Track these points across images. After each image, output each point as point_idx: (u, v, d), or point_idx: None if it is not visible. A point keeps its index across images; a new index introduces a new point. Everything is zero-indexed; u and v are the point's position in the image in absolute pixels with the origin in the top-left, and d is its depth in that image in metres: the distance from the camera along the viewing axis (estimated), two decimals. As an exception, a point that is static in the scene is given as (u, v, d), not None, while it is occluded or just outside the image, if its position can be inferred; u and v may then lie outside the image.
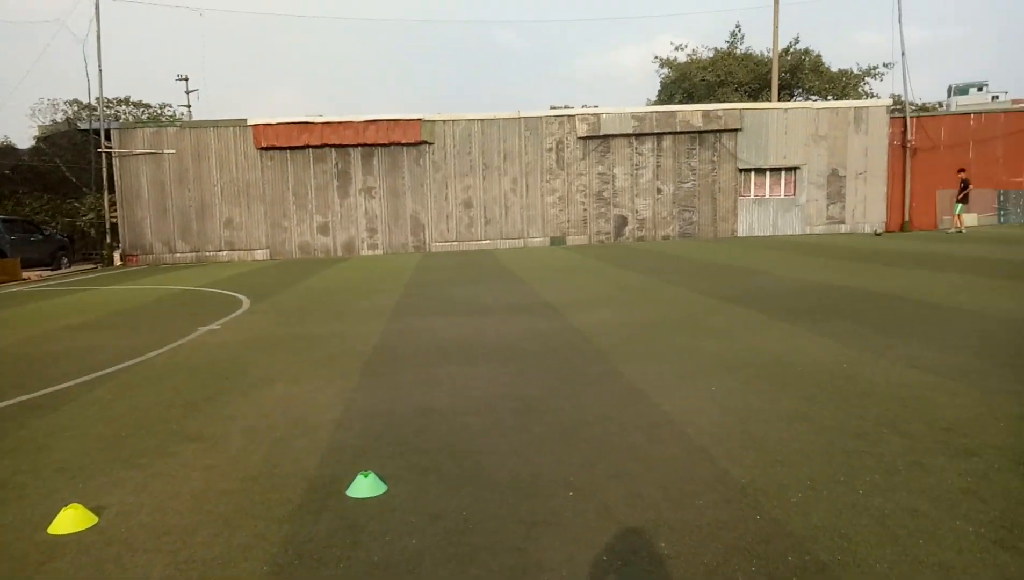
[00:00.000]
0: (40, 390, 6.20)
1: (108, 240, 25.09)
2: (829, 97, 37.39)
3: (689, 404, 4.98)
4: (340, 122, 24.29)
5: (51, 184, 28.02)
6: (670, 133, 25.08)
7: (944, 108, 44.32)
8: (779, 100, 31.67)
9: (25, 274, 19.89)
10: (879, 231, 24.98)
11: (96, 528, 3.37)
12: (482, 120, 25.03)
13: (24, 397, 5.98)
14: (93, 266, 24.39)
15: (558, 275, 14.49)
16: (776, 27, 30.32)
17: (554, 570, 2.81)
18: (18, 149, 29.36)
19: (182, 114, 45.70)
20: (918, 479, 3.51)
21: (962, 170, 24.06)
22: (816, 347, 6.62)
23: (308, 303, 11.74)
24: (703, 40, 59.13)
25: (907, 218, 26.06)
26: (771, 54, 31.59)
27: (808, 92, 39.08)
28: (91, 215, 27.55)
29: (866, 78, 38.28)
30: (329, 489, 3.72)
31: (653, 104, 41.67)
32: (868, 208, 25.70)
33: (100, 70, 24.59)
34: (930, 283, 10.64)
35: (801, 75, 38.50)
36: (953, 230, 23.51)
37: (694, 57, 40.21)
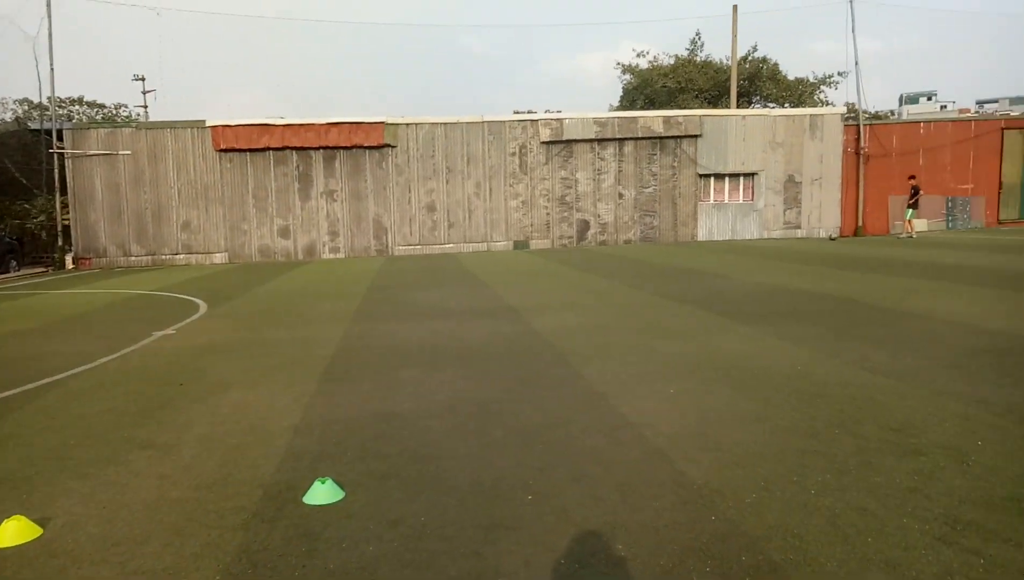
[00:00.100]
0: (-16, 398, 6.00)
1: (60, 243, 24.41)
2: (786, 105, 38.20)
3: (648, 406, 5.03)
4: (301, 124, 24.03)
5: (-1, 185, 27.18)
6: (632, 138, 25.35)
7: (896, 117, 45.62)
8: (738, 107, 32.27)
9: (-29, 278, 19.23)
10: (834, 236, 25.57)
11: (40, 540, 3.26)
12: (445, 124, 24.99)
13: (-33, 405, 5.78)
14: (44, 270, 23.70)
15: (521, 279, 14.52)
16: (735, 36, 30.88)
17: (511, 574, 2.82)
18: (-36, 149, 28.39)
19: (138, 115, 44.71)
20: (867, 478, 3.59)
21: (912, 177, 24.78)
22: (772, 349, 6.74)
23: (267, 307, 11.58)
24: (664, 47, 60.02)
25: (860, 223, 26.73)
26: (730, 62, 32.16)
27: (766, 99, 39.88)
28: (42, 217, 26.78)
29: (821, 86, 39.26)
30: (285, 496, 3.66)
31: (615, 109, 42.08)
32: (823, 213, 26.28)
33: (52, 69, 23.91)
34: (882, 287, 10.92)
35: (759, 83, 39.29)
36: (904, 235, 24.17)
37: (655, 64, 40.74)
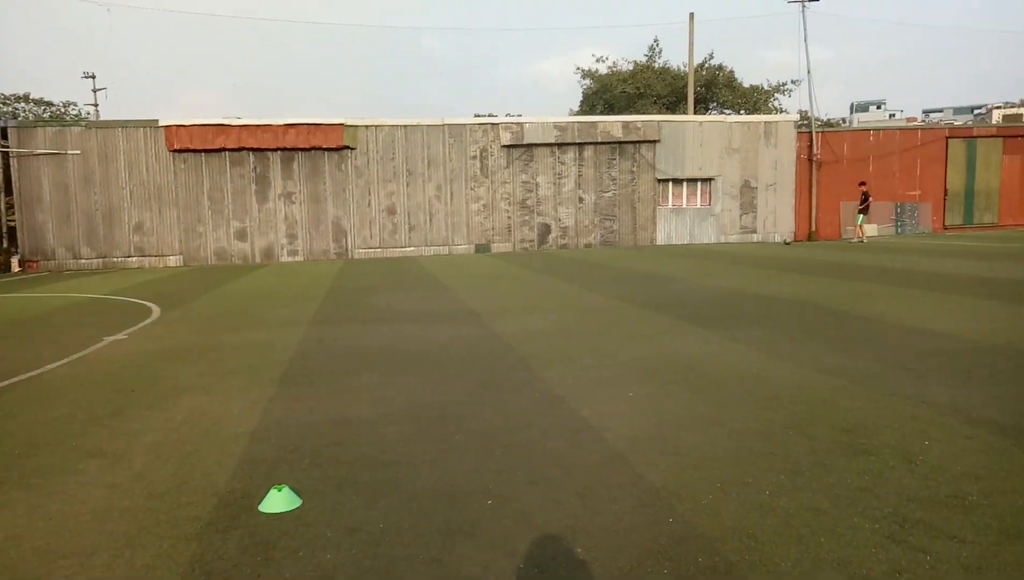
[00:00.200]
0: (-77, 406, 5.76)
1: (5, 245, 23.59)
2: (741, 111, 38.95)
3: (608, 409, 5.06)
4: (258, 125, 23.66)
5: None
6: (591, 143, 25.55)
7: (847, 124, 46.82)
8: (695, 113, 32.77)
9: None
10: (788, 240, 26.13)
11: (-17, 554, 3.14)
12: (405, 126, 24.85)
13: (-96, 414, 5.54)
14: (-13, 272, 22.88)
15: (482, 282, 14.51)
16: (691, 43, 31.38)
17: (471, 579, 2.81)
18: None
19: (88, 113, 43.56)
20: (820, 479, 3.67)
21: (863, 183, 25.48)
22: (728, 352, 6.86)
23: (223, 311, 11.36)
24: (623, 53, 60.65)
25: (813, 228, 27.36)
26: (687, 69, 32.65)
27: (722, 106, 40.60)
28: (-15, 218, 25.82)
29: (775, 94, 40.12)
30: (241, 504, 3.59)
31: (576, 114, 42.38)
32: (778, 218, 26.83)
33: (-4, 64, 23.13)
34: (834, 291, 11.19)
35: (716, 90, 39.97)
36: (855, 240, 24.82)
37: (614, 69, 41.15)
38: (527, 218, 25.68)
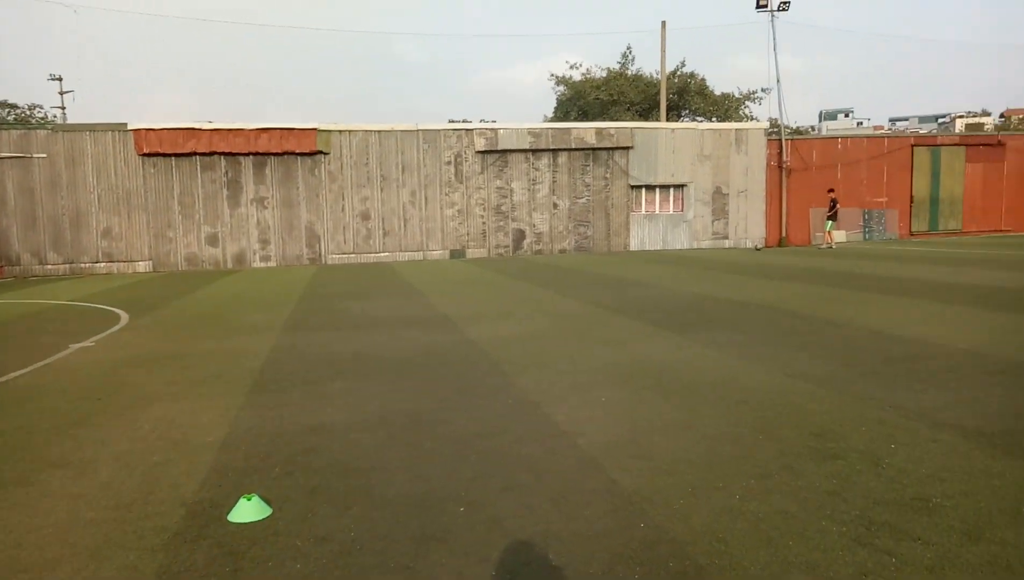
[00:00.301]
0: None
1: (-33, 250, 23.04)
2: (713, 119, 39.42)
3: (581, 414, 5.08)
4: (230, 129, 23.40)
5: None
6: (565, 149, 25.66)
7: (816, 132, 47.59)
8: (667, 120, 33.08)
9: None
10: (759, 246, 26.46)
11: (-59, 568, 3.06)
12: (379, 131, 24.76)
13: None
14: (-52, 278, 22.32)
15: (456, 288, 14.49)
16: (663, 51, 31.71)
17: (443, 587, 2.79)
18: None
19: (55, 117, 42.77)
20: (789, 483, 3.72)
21: (831, 190, 25.94)
22: (700, 357, 6.92)
23: (194, 318, 11.20)
24: (597, 60, 61.05)
25: (784, 234, 27.74)
26: (660, 76, 32.97)
27: (694, 113, 41.04)
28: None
29: (746, 102, 40.65)
30: (209, 514, 3.54)
31: (550, 121, 42.55)
32: (749, 224, 27.17)
33: (-41, 66, 22.62)
34: (804, 296, 11.35)
35: (688, 97, 40.40)
36: (824, 246, 25.21)
37: (588, 76, 41.40)
38: (502, 224, 25.70)
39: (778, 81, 28.60)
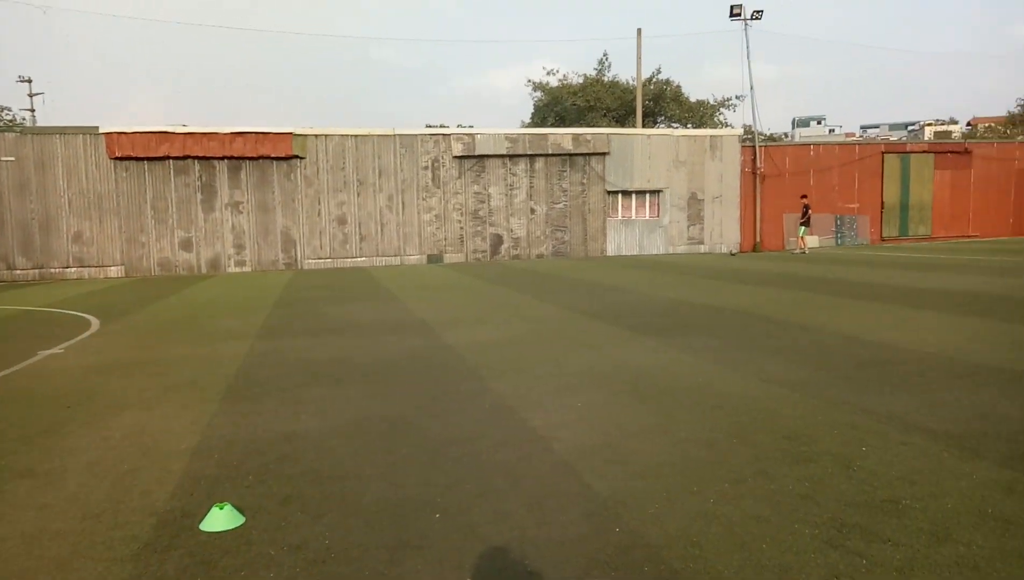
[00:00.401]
0: None
1: (-69, 255, 22.53)
2: (688, 125, 39.77)
3: (557, 419, 5.09)
4: (204, 133, 23.15)
5: None
6: (542, 155, 25.75)
7: (789, 139, 48.22)
8: (643, 126, 33.32)
9: None
10: (734, 252, 26.73)
11: (-99, 582, 2.99)
12: (356, 136, 24.65)
13: None
14: (-88, 284, 21.81)
15: (434, 293, 14.45)
16: (639, 57, 31.94)
17: (418, 595, 2.78)
18: None
19: (23, 119, 42.02)
20: (762, 486, 3.76)
21: (804, 196, 26.29)
22: (675, 362, 6.97)
23: (167, 323, 11.05)
24: (574, 66, 61.35)
25: (758, 239, 28.06)
26: (636, 83, 33.21)
27: (670, 120, 41.40)
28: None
29: (721, 109, 41.09)
30: (181, 524, 3.49)
31: (527, 126, 42.66)
32: (724, 230, 27.44)
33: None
34: (777, 300, 11.48)
35: (663, 104, 40.75)
36: (798, 251, 25.53)
37: (565, 82, 41.61)
38: (479, 229, 25.70)
39: (752, 88, 29.01)
